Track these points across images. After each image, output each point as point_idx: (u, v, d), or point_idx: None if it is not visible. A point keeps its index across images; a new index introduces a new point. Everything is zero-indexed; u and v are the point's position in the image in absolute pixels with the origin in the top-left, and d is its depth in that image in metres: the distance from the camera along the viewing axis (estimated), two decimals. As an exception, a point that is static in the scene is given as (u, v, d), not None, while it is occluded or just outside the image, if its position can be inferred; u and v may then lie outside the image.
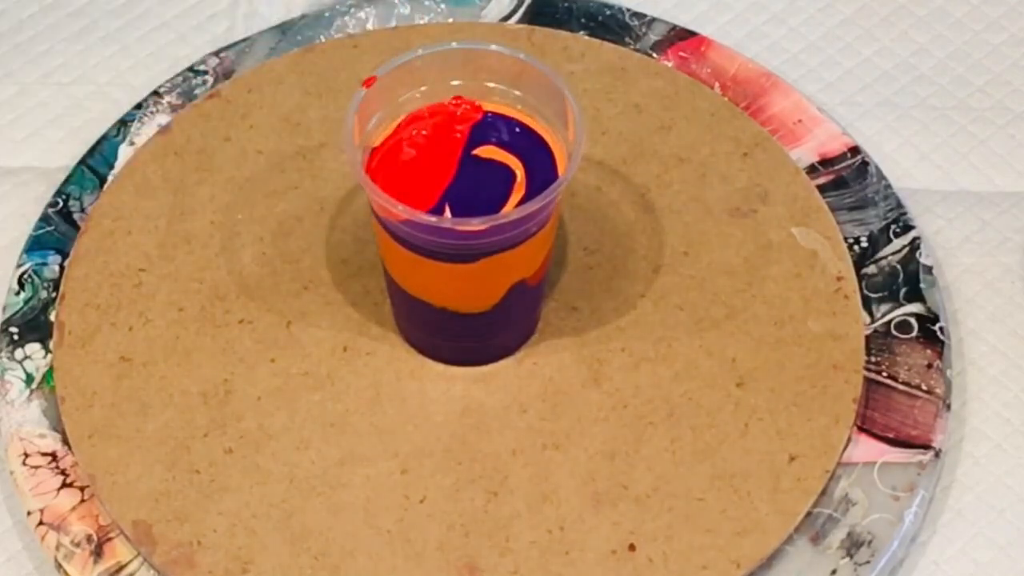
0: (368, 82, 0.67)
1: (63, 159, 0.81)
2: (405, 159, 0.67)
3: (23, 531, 0.70)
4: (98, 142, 0.80)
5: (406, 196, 0.65)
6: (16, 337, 0.73)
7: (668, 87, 0.80)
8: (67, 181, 0.78)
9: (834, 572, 0.67)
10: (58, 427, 0.71)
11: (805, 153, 0.79)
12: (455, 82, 0.68)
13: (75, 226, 0.77)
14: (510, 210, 0.65)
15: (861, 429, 0.70)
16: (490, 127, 0.68)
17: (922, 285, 0.74)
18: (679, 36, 0.83)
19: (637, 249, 0.75)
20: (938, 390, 0.71)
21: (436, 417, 0.70)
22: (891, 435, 0.70)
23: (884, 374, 0.72)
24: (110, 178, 0.78)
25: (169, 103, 0.81)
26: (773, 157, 0.78)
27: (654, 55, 0.82)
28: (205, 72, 0.82)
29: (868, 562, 0.67)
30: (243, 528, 0.67)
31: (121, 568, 0.67)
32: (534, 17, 0.84)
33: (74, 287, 0.74)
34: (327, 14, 0.84)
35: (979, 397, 0.73)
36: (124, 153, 0.79)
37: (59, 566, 0.67)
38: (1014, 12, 0.86)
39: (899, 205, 0.77)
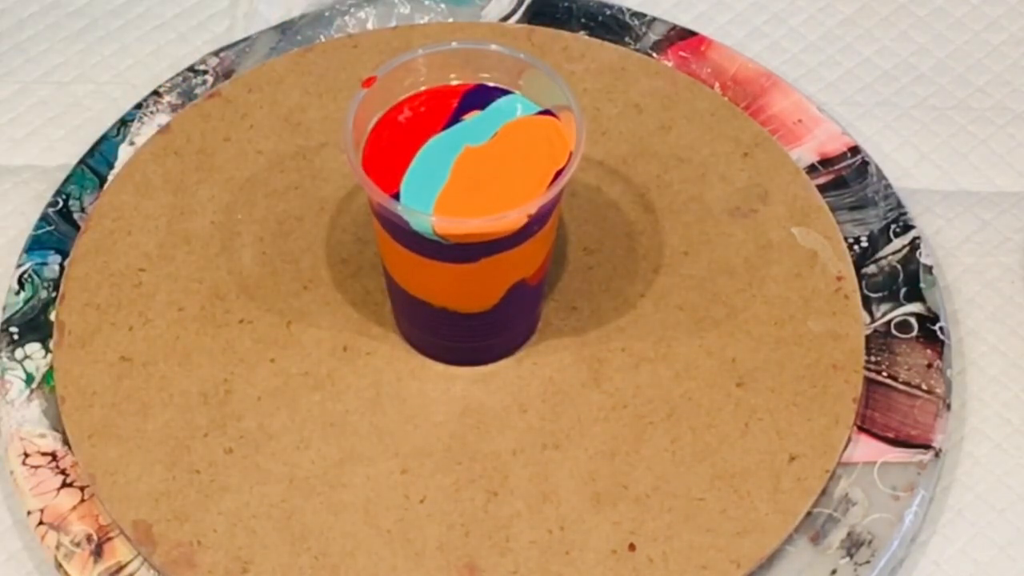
0: (368, 82, 0.67)
1: (63, 158, 0.81)
2: (400, 122, 0.67)
3: (23, 531, 0.70)
4: (98, 142, 0.80)
5: (398, 168, 0.65)
6: (16, 337, 0.73)
7: (668, 87, 0.80)
8: (67, 181, 0.78)
9: (834, 572, 0.67)
10: (58, 427, 0.71)
11: (805, 153, 0.79)
12: (455, 82, 0.69)
13: (75, 226, 0.77)
14: (509, 209, 0.65)
15: (861, 429, 0.70)
16: (480, 94, 0.68)
17: (922, 285, 0.74)
18: (679, 36, 0.83)
19: (637, 249, 0.75)
20: (938, 390, 0.71)
21: (436, 417, 0.70)
22: (891, 435, 0.70)
23: (884, 374, 0.72)
24: (110, 178, 0.78)
25: (169, 103, 0.81)
26: (773, 157, 0.78)
27: (654, 55, 0.82)
28: (205, 72, 0.82)
29: (868, 562, 0.67)
30: (243, 528, 0.67)
31: (121, 568, 0.67)
32: (534, 17, 0.84)
33: (74, 287, 0.74)
34: (327, 14, 0.84)
35: (979, 397, 0.73)
36: (124, 153, 0.79)
37: (59, 566, 0.67)
38: (1014, 12, 0.86)
39: (899, 205, 0.77)
